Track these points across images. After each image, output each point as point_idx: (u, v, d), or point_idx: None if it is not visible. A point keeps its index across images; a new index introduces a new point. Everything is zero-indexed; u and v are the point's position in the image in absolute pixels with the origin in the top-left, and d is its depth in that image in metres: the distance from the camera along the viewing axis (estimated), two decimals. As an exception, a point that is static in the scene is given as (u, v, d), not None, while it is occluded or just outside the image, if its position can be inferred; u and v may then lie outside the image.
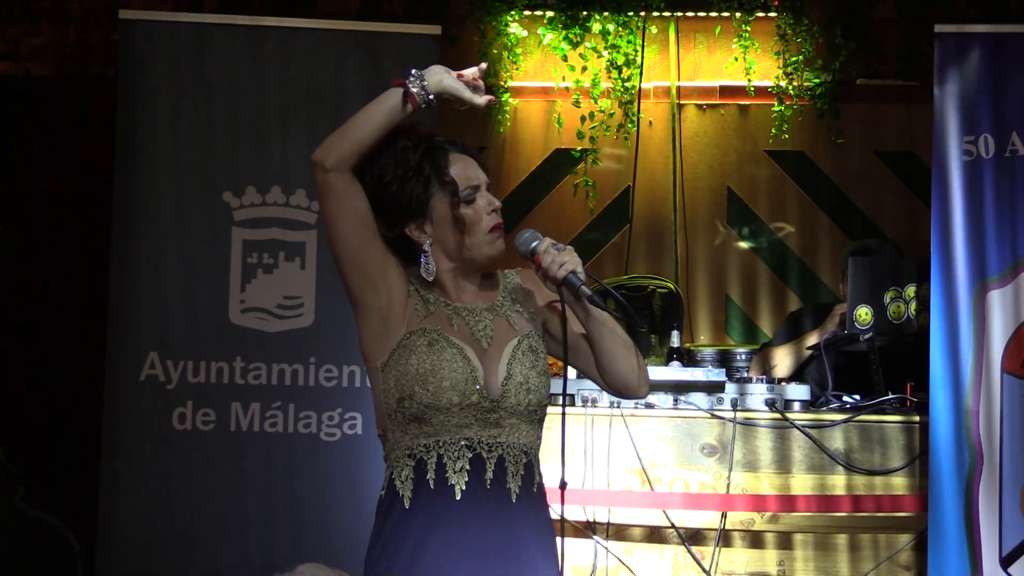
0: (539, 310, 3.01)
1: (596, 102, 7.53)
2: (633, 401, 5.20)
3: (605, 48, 7.52)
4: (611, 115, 7.54)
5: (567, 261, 2.88)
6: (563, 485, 2.89)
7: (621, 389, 2.97)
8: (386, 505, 2.87)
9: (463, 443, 2.84)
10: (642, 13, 7.53)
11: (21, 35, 7.55)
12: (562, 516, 2.85)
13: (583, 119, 7.55)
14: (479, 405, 2.85)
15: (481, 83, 2.92)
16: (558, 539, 2.91)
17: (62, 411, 6.90)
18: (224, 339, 5.48)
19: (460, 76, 2.89)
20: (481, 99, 2.91)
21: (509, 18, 7.50)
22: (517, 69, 7.57)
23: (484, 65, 2.93)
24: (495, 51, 7.51)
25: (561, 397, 3.14)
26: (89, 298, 6.28)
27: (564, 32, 7.52)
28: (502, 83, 7.53)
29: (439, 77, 2.85)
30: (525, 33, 7.57)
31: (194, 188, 5.56)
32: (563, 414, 2.98)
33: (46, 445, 6.86)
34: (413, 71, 2.83)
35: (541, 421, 2.93)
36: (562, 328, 2.91)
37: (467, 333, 2.90)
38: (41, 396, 7.01)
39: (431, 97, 2.83)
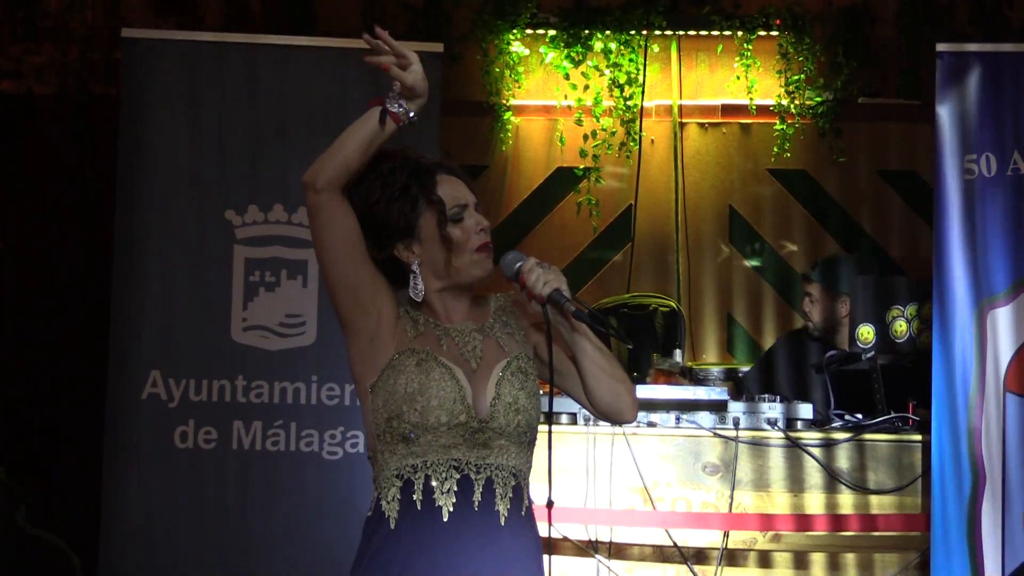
0: (529, 332, 3.00)
1: (598, 120, 7.56)
2: (636, 419, 5.26)
3: (607, 67, 7.55)
4: (613, 133, 7.56)
5: (551, 279, 2.87)
6: (550, 504, 2.90)
7: (608, 412, 2.96)
8: (372, 526, 2.86)
9: (451, 464, 2.82)
10: (644, 32, 7.56)
11: (23, 53, 7.57)
12: (549, 536, 2.87)
13: (585, 137, 7.58)
14: (467, 425, 2.83)
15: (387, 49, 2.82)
16: (546, 560, 2.90)
17: (63, 429, 6.90)
18: (226, 357, 5.48)
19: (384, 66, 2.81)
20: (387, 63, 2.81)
21: (511, 36, 7.53)
22: (519, 87, 7.60)
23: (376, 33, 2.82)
24: (497, 69, 7.53)
25: (548, 416, 3.10)
26: (91, 316, 6.29)
27: (566, 50, 7.57)
28: (504, 101, 7.57)
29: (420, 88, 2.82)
30: (527, 51, 7.60)
31: (196, 206, 5.57)
32: (549, 432, 2.96)
33: (48, 463, 6.87)
34: (391, 91, 2.82)
35: (531, 444, 2.91)
36: (547, 347, 2.90)
37: (456, 354, 2.89)
38: (42, 414, 7.02)
39: (412, 115, 2.82)
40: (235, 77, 5.59)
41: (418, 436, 2.81)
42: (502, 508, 2.84)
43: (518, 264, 2.90)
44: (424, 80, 2.82)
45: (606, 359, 2.94)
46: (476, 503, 2.81)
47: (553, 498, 2.90)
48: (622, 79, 7.53)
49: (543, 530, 2.91)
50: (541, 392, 2.95)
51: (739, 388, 6.10)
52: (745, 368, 6.68)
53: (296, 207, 5.59)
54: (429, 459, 2.81)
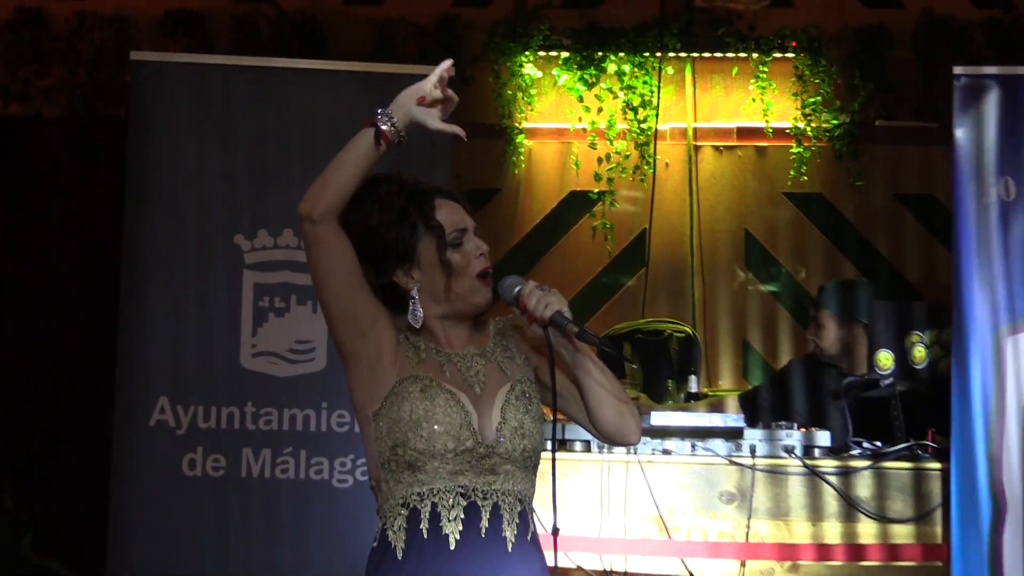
0: (529, 356, 2.99)
1: (612, 143, 7.60)
2: (651, 447, 5.23)
3: (621, 89, 7.59)
4: (627, 157, 7.60)
5: (552, 301, 2.86)
6: (555, 531, 2.87)
7: (612, 434, 2.94)
8: (378, 556, 2.84)
9: (458, 491, 2.81)
10: (658, 54, 7.58)
11: (31, 76, 7.65)
12: (556, 565, 2.84)
13: (599, 161, 7.62)
14: (474, 451, 2.82)
15: (448, 92, 2.84)
16: None
17: (70, 457, 6.90)
18: (235, 384, 5.48)
19: (422, 100, 2.81)
20: (445, 127, 2.83)
21: (524, 59, 7.57)
22: (532, 110, 7.64)
23: (448, 63, 2.84)
24: (509, 92, 7.58)
25: (551, 442, 3.06)
26: (98, 341, 6.29)
27: (579, 73, 7.60)
28: (516, 124, 7.60)
29: (405, 110, 2.80)
30: (540, 74, 7.64)
31: (205, 230, 5.57)
32: (553, 459, 2.91)
33: (54, 491, 6.86)
34: (380, 110, 2.80)
35: (535, 468, 2.91)
36: (550, 370, 2.89)
37: (459, 379, 2.88)
38: (49, 442, 7.02)
39: (403, 133, 2.80)
40: (244, 100, 5.60)
41: (424, 463, 2.80)
42: (509, 534, 2.83)
43: (517, 288, 2.90)
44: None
45: (609, 380, 2.94)
46: (483, 530, 2.81)
47: (559, 525, 2.87)
48: (636, 101, 7.56)
49: (549, 558, 2.90)
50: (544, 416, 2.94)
51: (746, 406, 6.08)
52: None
53: None
54: (436, 486, 2.81)
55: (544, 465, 2.92)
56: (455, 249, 2.91)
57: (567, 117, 7.68)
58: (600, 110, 7.59)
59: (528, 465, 2.88)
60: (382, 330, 2.87)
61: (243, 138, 5.60)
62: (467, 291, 2.91)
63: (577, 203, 7.73)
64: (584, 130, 7.62)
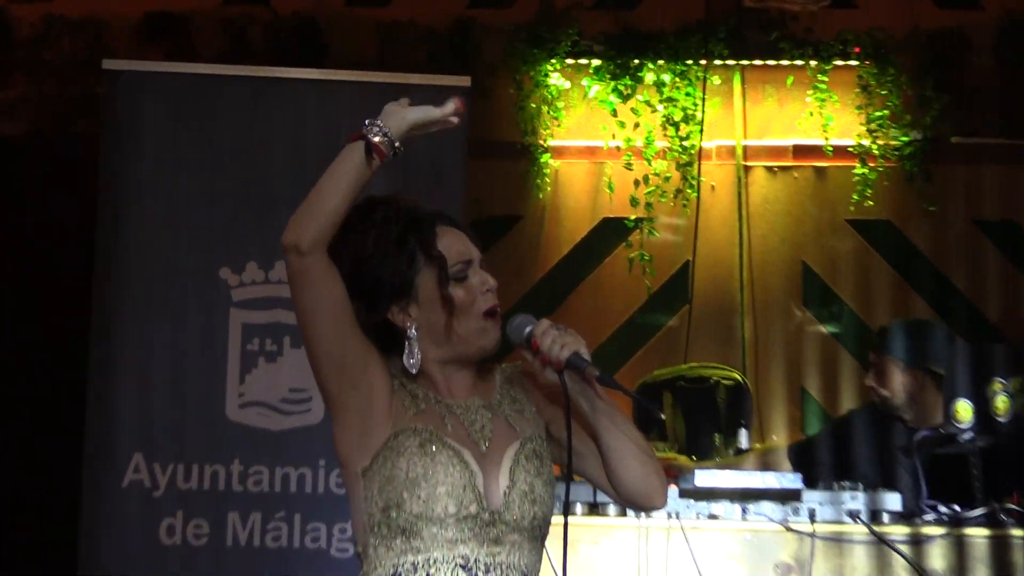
0: (541, 408, 3.01)
1: (650, 164, 7.61)
2: (695, 511, 5.21)
3: (660, 101, 7.61)
4: (667, 179, 7.62)
5: (569, 341, 2.85)
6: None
7: (634, 497, 2.94)
8: None
9: (457, 562, 2.79)
10: (702, 61, 7.59)
11: (-10, 89, 7.68)
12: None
13: (636, 183, 7.63)
14: (478, 517, 2.82)
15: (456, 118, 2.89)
16: None
17: (34, 521, 6.89)
18: (219, 438, 5.50)
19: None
20: (447, 108, 2.89)
21: (549, 67, 7.59)
22: (559, 126, 7.65)
23: (458, 103, 2.89)
24: (533, 105, 7.60)
25: (564, 504, 3.06)
26: (66, 389, 6.21)
27: (613, 83, 7.61)
28: (541, 142, 7.62)
29: (399, 115, 2.84)
30: (568, 84, 7.66)
31: (186, 262, 5.63)
32: (565, 524, 2.92)
33: (15, 561, 6.86)
34: (369, 120, 2.82)
35: (543, 539, 2.91)
36: (565, 421, 2.87)
37: (463, 434, 2.89)
38: (9, 502, 7.03)
39: (397, 144, 2.82)
40: (234, 114, 5.67)
41: (421, 528, 2.79)
42: (511, 614, 2.81)
43: (529, 327, 2.89)
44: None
45: (632, 434, 2.94)
46: (483, 607, 2.77)
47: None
48: (677, 116, 7.58)
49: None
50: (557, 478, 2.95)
51: (798, 459, 6.06)
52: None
53: None
54: (432, 555, 2.80)
55: (573, 532, 2.94)
56: (459, 283, 2.93)
57: (599, 134, 7.69)
58: (637, 126, 7.61)
59: (537, 535, 2.88)
60: (375, 376, 2.88)
61: (231, 158, 5.67)
62: (472, 332, 2.92)
63: (610, 232, 7.75)
64: (618, 148, 7.64)
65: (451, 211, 3.07)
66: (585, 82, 7.68)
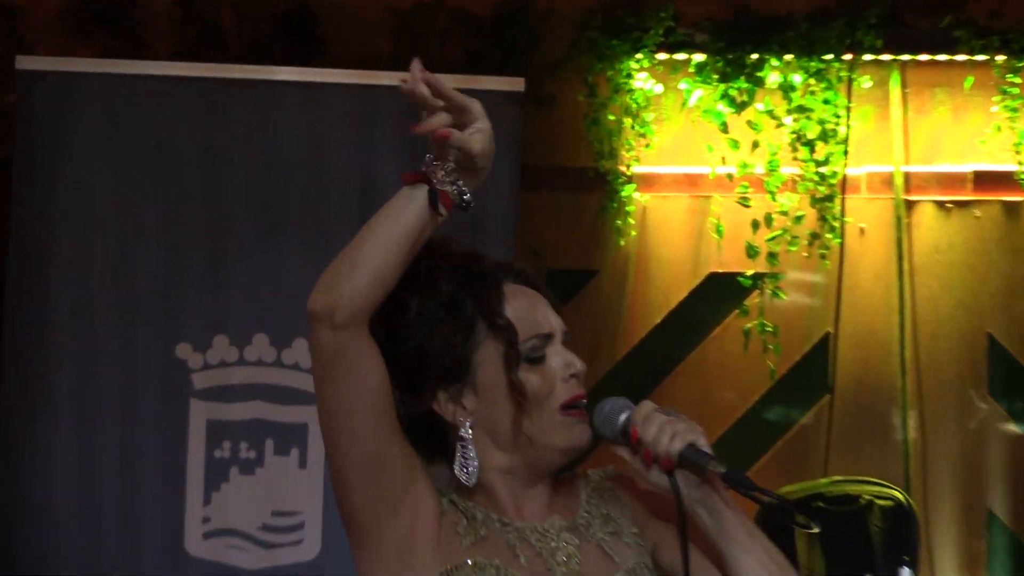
0: (646, 527, 3.02)
1: (774, 198, 7.52)
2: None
3: (788, 112, 7.52)
4: (799, 218, 7.53)
5: (681, 430, 2.85)
6: None
7: None
8: None
9: None
10: (846, 56, 7.55)
11: None
12: None
13: (755, 225, 7.54)
14: None
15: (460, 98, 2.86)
16: None
17: None
18: (177, 579, 5.57)
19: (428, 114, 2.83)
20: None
21: (634, 64, 7.52)
22: (647, 146, 7.56)
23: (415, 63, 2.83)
24: (612, 117, 7.53)
25: None
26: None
27: (722, 86, 7.52)
28: (623, 168, 7.55)
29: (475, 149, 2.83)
30: (660, 88, 7.59)
31: (128, 334, 5.73)
32: None
33: None
34: (430, 156, 2.81)
35: None
36: (680, 541, 2.87)
37: (541, 569, 2.92)
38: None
39: (468, 195, 2.84)
40: (196, 129, 5.86)
41: None
42: None
43: (624, 414, 2.91)
44: (492, 144, 2.84)
45: (776, 558, 2.93)
46: None
47: None
48: (812, 132, 7.47)
49: None
50: None
51: None
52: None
53: (290, 337, 5.75)
54: None
55: None
56: (533, 366, 2.94)
57: (703, 156, 7.61)
58: (756, 145, 7.51)
59: None
60: (420, 495, 2.91)
61: (192, 189, 5.81)
62: (549, 431, 2.93)
63: (720, 293, 7.67)
64: (730, 177, 7.55)
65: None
66: (684, 85, 7.57)
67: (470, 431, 2.92)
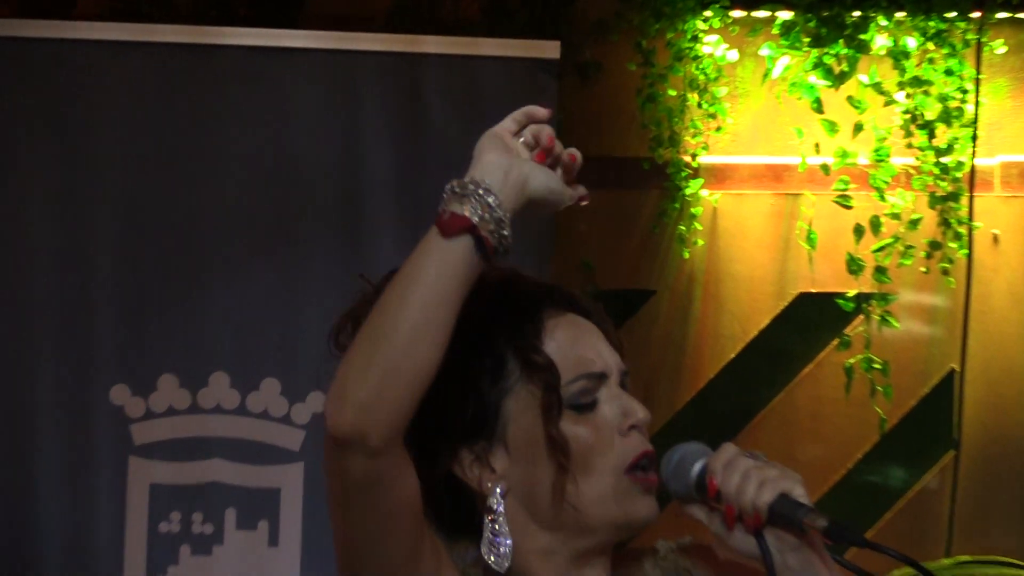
0: None
1: (883, 197, 7.47)
2: None
3: (901, 86, 7.48)
4: (914, 223, 7.50)
5: (773, 477, 2.79)
6: None
7: None
8: None
9: None
10: (975, 14, 7.53)
11: None
12: None
13: (858, 232, 7.48)
14: None
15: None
16: None
17: None
18: None
19: (543, 158, 2.82)
20: (572, 193, 2.88)
21: (701, 24, 7.54)
22: (718, 129, 7.58)
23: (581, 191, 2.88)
24: (672, 92, 7.57)
25: None
26: None
27: (816, 52, 7.46)
28: (687, 158, 7.56)
29: (519, 179, 2.77)
30: (735, 55, 7.57)
31: (45, 374, 5.81)
32: None
33: None
34: (459, 183, 2.74)
35: None
36: None
37: None
38: None
39: (507, 234, 2.77)
40: (135, 109, 5.93)
41: None
42: None
43: (700, 463, 2.88)
44: None
45: None
46: None
47: None
48: (931, 111, 7.43)
49: None
50: None
51: None
52: None
53: (256, 378, 5.86)
54: None
55: None
56: (580, 415, 2.90)
57: (790, 143, 7.63)
58: (859, 129, 7.47)
59: None
60: None
61: (127, 181, 5.88)
62: (603, 501, 2.90)
63: (812, 319, 7.66)
64: (825, 169, 7.52)
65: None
66: (766, 51, 7.53)
67: (501, 501, 2.89)
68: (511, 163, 2.79)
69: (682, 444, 2.90)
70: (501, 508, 2.88)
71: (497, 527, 2.87)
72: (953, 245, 7.45)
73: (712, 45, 7.53)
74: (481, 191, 2.74)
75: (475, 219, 2.73)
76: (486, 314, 2.91)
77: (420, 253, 2.75)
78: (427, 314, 2.73)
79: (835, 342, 7.60)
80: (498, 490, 2.88)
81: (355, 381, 2.72)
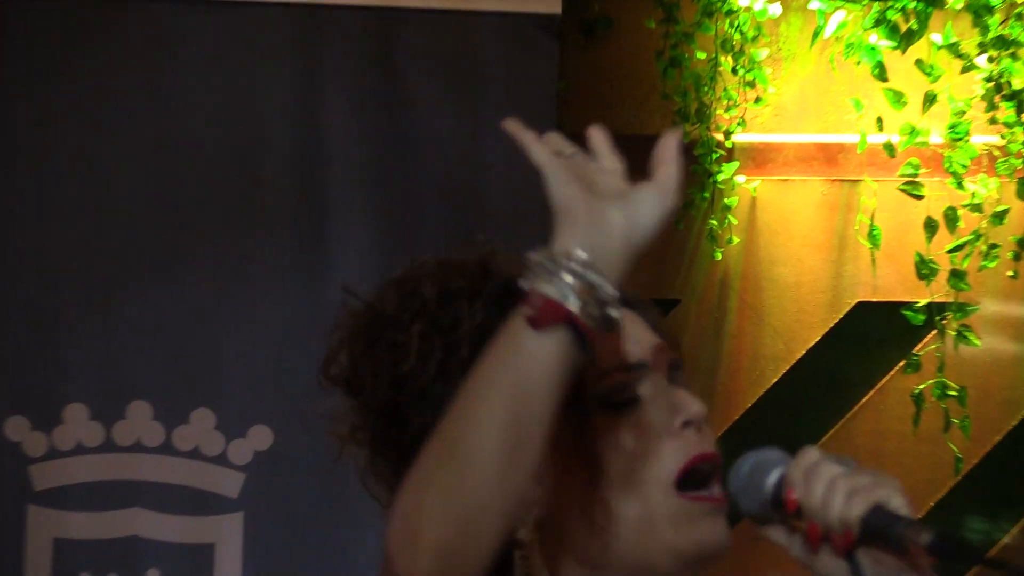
0: None
1: (961, 184, 7.37)
2: None
3: (983, 47, 7.36)
4: (1000, 216, 7.42)
5: (863, 484, 2.83)
6: None
7: None
8: None
9: None
10: None
11: None
12: None
13: (930, 227, 7.31)
14: None
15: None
16: None
17: None
18: None
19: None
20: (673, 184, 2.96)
21: None
22: (757, 100, 7.55)
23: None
24: (701, 55, 7.56)
25: None
26: None
27: (877, 5, 7.37)
28: (720, 137, 7.55)
29: (625, 231, 2.70)
30: (778, 8, 7.50)
31: None
32: None
33: None
34: (547, 255, 2.68)
35: None
36: None
37: None
38: None
39: (615, 316, 2.72)
40: (52, 73, 6.00)
41: None
42: None
43: (776, 472, 2.93)
44: None
45: None
46: None
47: None
48: (1021, 79, 7.33)
49: None
50: None
51: None
52: None
53: (186, 409, 5.92)
54: None
55: None
56: (619, 415, 2.95)
57: (846, 118, 7.59)
58: (931, 100, 7.33)
59: None
60: None
61: (43, 161, 5.98)
62: (656, 525, 2.95)
63: (874, 334, 7.61)
64: (890, 150, 7.41)
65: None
66: (816, 4, 7.42)
67: (532, 531, 2.93)
68: (604, 210, 2.70)
69: (754, 451, 2.95)
70: (530, 540, 2.91)
71: (529, 563, 2.90)
72: (1047, 243, 7.41)
73: (751, -1, 7.47)
74: (577, 266, 2.66)
75: (575, 308, 2.66)
76: (493, 311, 2.90)
77: (505, 350, 2.71)
78: (520, 433, 2.71)
79: (901, 363, 7.58)
80: (529, 518, 2.90)
81: (432, 521, 2.71)
